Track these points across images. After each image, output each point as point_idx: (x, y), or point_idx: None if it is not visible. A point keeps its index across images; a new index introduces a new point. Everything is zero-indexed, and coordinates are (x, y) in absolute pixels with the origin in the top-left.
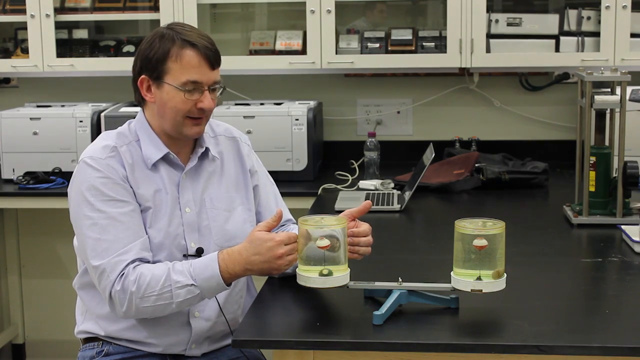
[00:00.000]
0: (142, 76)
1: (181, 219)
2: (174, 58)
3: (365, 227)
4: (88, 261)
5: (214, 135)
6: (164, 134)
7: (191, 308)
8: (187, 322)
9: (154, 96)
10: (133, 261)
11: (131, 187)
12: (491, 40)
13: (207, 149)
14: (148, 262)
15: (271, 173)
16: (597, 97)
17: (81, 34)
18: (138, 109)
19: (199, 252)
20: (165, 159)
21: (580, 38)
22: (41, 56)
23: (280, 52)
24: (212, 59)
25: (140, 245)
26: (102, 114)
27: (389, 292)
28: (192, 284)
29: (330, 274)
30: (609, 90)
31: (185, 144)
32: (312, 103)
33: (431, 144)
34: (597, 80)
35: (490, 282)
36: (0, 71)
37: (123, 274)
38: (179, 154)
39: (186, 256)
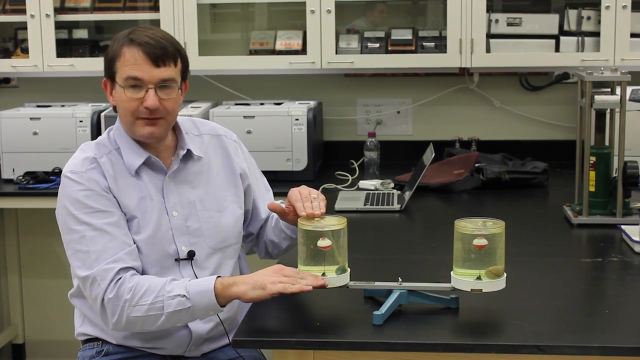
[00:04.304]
0: (104, 79)
1: (169, 224)
2: (118, 57)
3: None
4: (78, 274)
5: (199, 134)
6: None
7: None
8: (185, 326)
9: (114, 98)
10: (125, 269)
11: (115, 197)
12: (491, 40)
13: (189, 150)
14: (138, 270)
15: (271, 173)
16: (597, 97)
17: (81, 34)
18: None
19: (191, 256)
20: (147, 164)
21: (580, 38)
22: (41, 56)
23: (280, 52)
24: (154, 56)
25: (128, 254)
26: (102, 114)
27: (389, 292)
28: (184, 295)
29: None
30: (609, 90)
31: (165, 147)
32: (312, 103)
33: (431, 144)
34: (597, 80)
35: (490, 282)
36: (0, 71)
37: (117, 280)
38: (161, 159)
39: (178, 260)
